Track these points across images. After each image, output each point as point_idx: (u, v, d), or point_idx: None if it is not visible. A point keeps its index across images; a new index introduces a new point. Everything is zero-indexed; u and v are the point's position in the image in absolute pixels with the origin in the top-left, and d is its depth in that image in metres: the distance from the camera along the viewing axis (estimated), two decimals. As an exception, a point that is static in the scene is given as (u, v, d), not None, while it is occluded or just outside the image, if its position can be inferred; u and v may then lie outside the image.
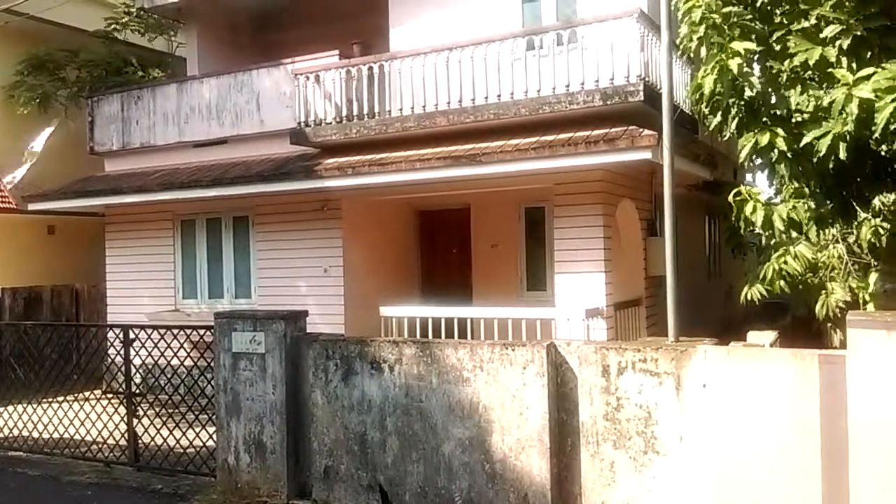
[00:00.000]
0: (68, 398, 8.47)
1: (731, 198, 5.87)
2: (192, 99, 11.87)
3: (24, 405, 8.57)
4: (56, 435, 8.20)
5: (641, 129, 8.25)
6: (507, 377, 5.47)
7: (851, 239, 6.44)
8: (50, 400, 8.49)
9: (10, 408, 8.64)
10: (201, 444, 7.15)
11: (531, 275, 11.41)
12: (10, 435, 8.55)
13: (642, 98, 8.43)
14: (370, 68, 10.09)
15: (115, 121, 12.65)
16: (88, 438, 8.00)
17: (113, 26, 14.54)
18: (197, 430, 7.26)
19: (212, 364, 6.99)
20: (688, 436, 4.90)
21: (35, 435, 8.36)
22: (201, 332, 7.31)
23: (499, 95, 9.23)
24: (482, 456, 5.54)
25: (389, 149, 9.90)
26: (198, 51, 13.04)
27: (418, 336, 8.91)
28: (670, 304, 5.52)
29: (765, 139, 5.15)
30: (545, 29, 9.27)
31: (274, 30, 13.68)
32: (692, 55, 5.66)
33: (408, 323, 9.37)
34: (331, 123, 10.34)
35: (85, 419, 8.04)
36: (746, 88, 5.22)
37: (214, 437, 6.93)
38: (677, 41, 5.74)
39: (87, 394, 8.88)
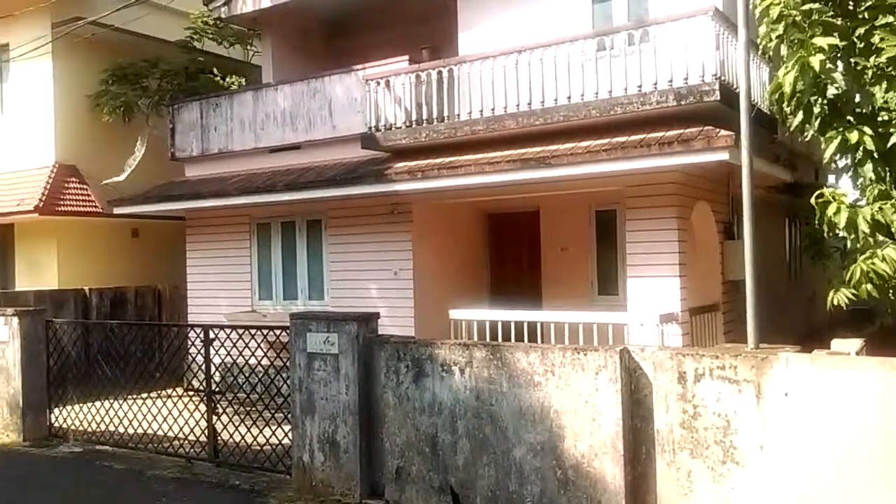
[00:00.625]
0: (151, 395, 8.82)
1: (813, 200, 5.67)
2: (268, 106, 12.19)
3: (111, 401, 8.96)
4: (140, 430, 8.54)
5: (718, 130, 8.04)
6: (579, 382, 5.41)
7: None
8: (134, 397, 8.85)
9: (98, 403, 9.04)
10: (277, 442, 7.34)
11: (602, 279, 11.26)
12: (98, 430, 8.95)
13: (718, 98, 8.22)
14: (439, 72, 10.17)
15: (195, 128, 13.10)
16: (171, 434, 8.31)
17: (192, 36, 15.06)
18: (273, 428, 7.45)
19: (287, 364, 7.16)
20: (769, 446, 4.75)
21: (121, 430, 8.72)
22: (277, 332, 7.50)
23: (569, 97, 9.16)
24: (554, 461, 5.50)
25: (458, 152, 9.94)
26: (272, 58, 13.38)
27: (487, 339, 8.92)
28: (750, 310, 5.37)
29: (853, 137, 4.96)
30: (616, 29, 9.15)
31: (345, 36, 13.93)
32: (771, 54, 5.51)
33: (477, 326, 9.39)
34: (400, 128, 10.46)
35: (167, 416, 8.35)
36: (829, 86, 5.04)
37: (290, 435, 7.11)
38: (755, 39, 5.58)
39: (169, 391, 9.23)
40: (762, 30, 5.33)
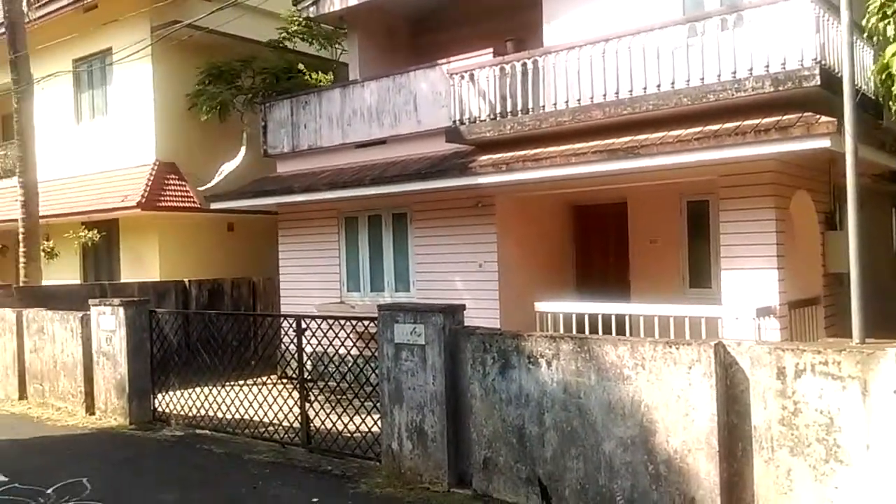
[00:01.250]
0: (248, 382, 9.17)
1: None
2: (354, 102, 12.43)
3: (210, 387, 9.36)
4: (237, 416, 8.89)
5: (818, 116, 7.68)
6: (671, 377, 5.30)
7: None
8: (232, 383, 9.22)
9: (198, 389, 9.46)
10: (367, 430, 7.50)
11: (694, 271, 10.96)
12: (198, 414, 9.37)
13: (818, 82, 7.85)
14: (524, 64, 10.11)
15: (286, 125, 13.49)
16: (266, 420, 8.61)
17: (284, 35, 15.51)
18: (363, 416, 7.62)
19: (376, 354, 7.30)
20: (876, 445, 4.53)
21: (219, 415, 9.11)
22: (366, 323, 7.66)
23: (658, 85, 8.94)
24: (645, 456, 5.41)
25: (544, 144, 9.87)
26: (358, 55, 13.62)
27: (574, 332, 8.83)
28: (855, 304, 5.13)
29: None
30: (708, 14, 8.86)
31: (429, 32, 14.04)
32: (880, 36, 5.21)
33: (563, 319, 9.32)
34: (485, 121, 10.47)
35: (263, 402, 8.66)
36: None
37: (379, 423, 7.26)
38: (859, 21, 5.30)
39: (263, 379, 9.57)
40: (869, 7, 5.05)
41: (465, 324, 6.94)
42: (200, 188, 14.51)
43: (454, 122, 10.75)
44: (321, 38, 15.67)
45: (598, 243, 12.34)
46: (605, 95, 9.35)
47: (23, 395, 11.61)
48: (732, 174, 8.80)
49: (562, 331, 9.08)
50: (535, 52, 10.13)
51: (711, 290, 10.31)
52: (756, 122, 8.14)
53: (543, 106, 9.97)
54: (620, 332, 8.71)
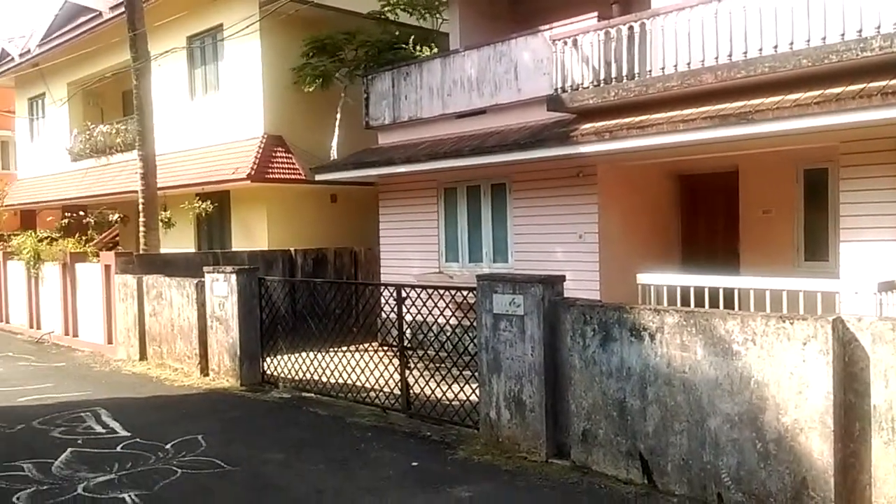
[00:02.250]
0: (350, 349, 9.42)
1: None
2: (455, 72, 12.38)
3: (314, 353, 9.68)
4: (340, 380, 9.16)
5: (955, 75, 7.05)
6: (784, 352, 5.04)
7: None
8: (335, 349, 9.50)
9: (304, 354, 9.80)
10: (465, 398, 7.56)
11: (810, 244, 10.38)
12: (304, 378, 9.72)
13: (957, 38, 7.19)
14: (630, 27, 9.75)
15: (387, 96, 13.62)
16: (367, 385, 8.84)
17: (385, 7, 15.58)
18: (461, 384, 7.68)
19: (474, 324, 7.33)
20: None
21: (323, 379, 9.42)
22: (464, 293, 7.70)
23: (775, 46, 8.43)
24: (753, 434, 5.19)
25: (649, 111, 9.53)
26: (459, 25, 13.53)
27: (678, 305, 8.55)
28: None
29: None
30: (833, -33, 8.24)
31: (531, -1, 13.77)
32: None
33: (667, 292, 9.04)
34: (587, 87, 10.20)
35: (364, 368, 8.89)
36: None
37: (477, 392, 7.30)
38: None
39: (365, 346, 9.81)
40: None
41: (565, 295, 6.85)
42: (312, 167, 14.87)
43: (556, 89, 10.53)
44: (422, 8, 15.66)
45: (705, 214, 11.87)
46: (716, 58, 8.90)
47: (143, 356, 12.39)
48: (855, 140, 8.23)
49: (665, 304, 8.81)
50: (643, 15, 9.75)
51: (828, 263, 9.74)
52: (883, 83, 7.55)
53: (650, 71, 9.60)
54: (728, 306, 8.35)
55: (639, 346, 5.88)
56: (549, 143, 10.22)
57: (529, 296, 6.66)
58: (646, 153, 9.84)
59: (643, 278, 9.40)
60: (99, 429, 8.15)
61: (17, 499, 5.94)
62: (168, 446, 7.32)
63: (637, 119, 9.47)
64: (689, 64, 9.16)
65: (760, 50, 8.54)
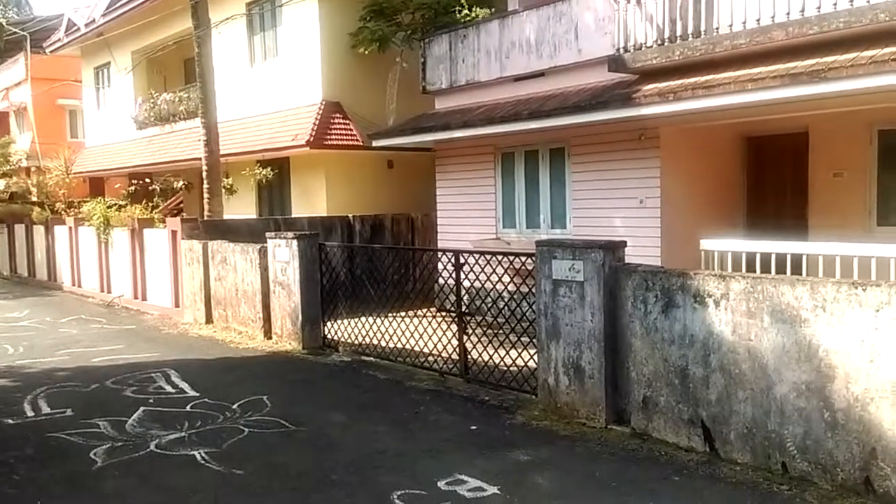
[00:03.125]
0: (407, 314, 9.51)
1: None
2: (513, 33, 12.17)
3: (373, 317, 9.81)
4: (399, 345, 9.28)
5: None
6: (855, 320, 4.88)
7: None
8: (393, 314, 9.60)
9: (363, 319, 9.94)
10: (523, 364, 7.57)
11: (882, 208, 9.95)
12: (363, 342, 9.87)
13: None
14: (696, -16, 9.39)
15: (444, 60, 13.50)
16: (425, 350, 8.93)
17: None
18: (518, 350, 7.69)
19: (531, 290, 7.29)
20: None
21: (382, 343, 9.55)
22: (523, 259, 7.66)
23: (851, 0, 8.00)
24: (821, 403, 5.06)
25: (715, 70, 9.19)
26: (518, -16, 13.26)
27: (744, 272, 8.33)
28: None
29: None
30: (917, -87, 7.75)
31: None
32: None
33: (731, 258, 8.80)
34: (651, 47, 9.90)
35: (423, 333, 8.97)
36: None
37: (535, 358, 7.29)
38: None
39: (422, 311, 9.89)
40: None
41: (626, 261, 6.75)
42: (369, 133, 14.89)
43: (617, 49, 10.26)
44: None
45: (772, 177, 11.47)
46: (788, 14, 8.50)
47: (209, 319, 12.76)
48: (937, 98, 7.79)
49: (730, 271, 8.60)
50: (709, -30, 9.37)
51: (904, 228, 9.33)
52: (971, 36, 7.11)
53: (717, 28, 9.25)
54: (796, 273, 8.09)
55: (703, 312, 5.77)
56: (611, 104, 9.99)
57: (590, 261, 6.58)
58: (711, 114, 9.53)
59: (706, 244, 9.17)
60: (169, 389, 8.47)
61: (94, 454, 6.24)
62: (235, 406, 7.56)
63: (703, 79, 9.15)
64: (758, 21, 8.78)
65: (835, 4, 8.13)
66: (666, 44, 9.72)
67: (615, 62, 10.27)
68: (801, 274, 7.99)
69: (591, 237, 9.88)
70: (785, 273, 7.99)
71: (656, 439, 6.10)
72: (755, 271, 8.18)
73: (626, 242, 6.91)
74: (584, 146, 11.36)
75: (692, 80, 9.27)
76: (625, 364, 6.43)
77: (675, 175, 10.56)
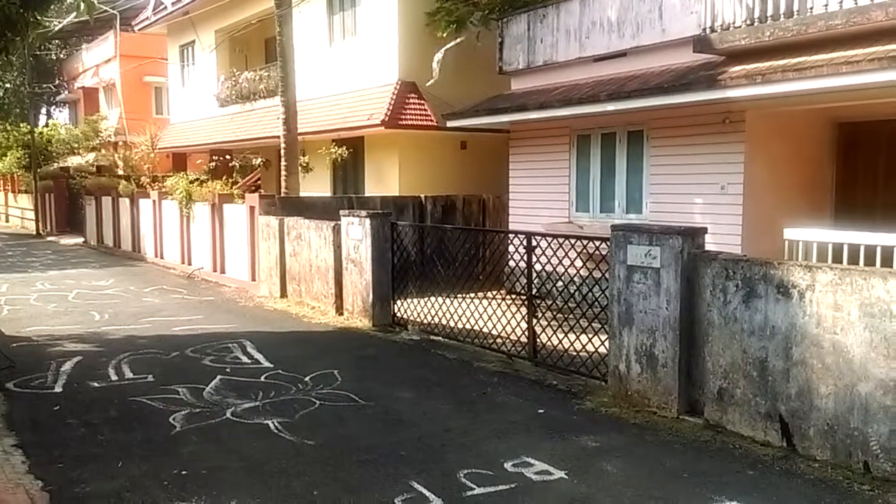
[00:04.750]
0: (476, 295, 9.50)
1: None
2: (594, 13, 11.89)
3: (442, 297, 9.84)
4: (467, 326, 9.28)
5: None
6: (955, 317, 4.60)
7: None
8: (462, 295, 9.60)
9: (432, 298, 9.99)
10: (593, 350, 7.46)
11: None
12: (432, 322, 9.92)
13: None
14: (790, -39, 8.95)
15: (521, 40, 13.32)
16: (494, 332, 8.91)
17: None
18: (588, 336, 7.58)
19: (604, 275, 7.16)
20: None
21: (451, 324, 9.57)
22: (597, 243, 7.52)
23: (962, -23, 7.50)
24: (911, 403, 4.81)
25: (807, 52, 8.77)
26: (600, -37, 12.94)
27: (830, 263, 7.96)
28: None
29: None
30: None
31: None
32: None
33: (817, 249, 8.43)
34: (739, 27, 9.51)
35: (491, 315, 8.95)
36: None
37: (605, 344, 7.18)
38: None
39: (492, 293, 9.86)
40: None
41: (705, 248, 6.55)
42: (444, 114, 14.86)
43: (703, 29, 9.90)
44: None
45: (864, 165, 10.91)
46: (889, -8, 8.03)
47: (283, 293, 13.07)
48: None
49: (814, 262, 8.24)
50: (805, -54, 8.92)
51: None
52: None
53: (811, 8, 8.81)
54: (886, 265, 7.70)
55: (786, 304, 5.55)
56: (696, 86, 9.66)
57: (667, 248, 6.42)
58: (801, 98, 9.10)
59: (791, 233, 8.81)
60: (245, 359, 8.72)
61: (173, 419, 6.48)
62: (307, 379, 7.73)
63: (794, 61, 8.75)
64: (855, 0, 8.33)
65: (944, -19, 7.63)
66: (755, 24, 9.32)
67: (701, 42, 9.92)
68: (892, 267, 7.61)
69: (669, 223, 9.62)
70: (874, 266, 7.62)
71: (730, 432, 5.93)
72: (842, 263, 7.83)
73: (706, 229, 6.71)
74: (665, 129, 11.05)
75: (783, 62, 8.87)
76: (700, 354, 6.26)
77: (759, 161, 10.17)
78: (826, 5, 8.60)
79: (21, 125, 35.50)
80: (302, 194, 15.32)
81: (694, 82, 9.70)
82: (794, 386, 5.52)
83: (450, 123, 14.45)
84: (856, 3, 8.31)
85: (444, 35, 15.20)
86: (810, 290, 5.41)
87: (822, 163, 11.14)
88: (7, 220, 40.65)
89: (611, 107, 10.88)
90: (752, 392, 5.80)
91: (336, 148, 16.57)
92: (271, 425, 6.31)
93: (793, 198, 10.46)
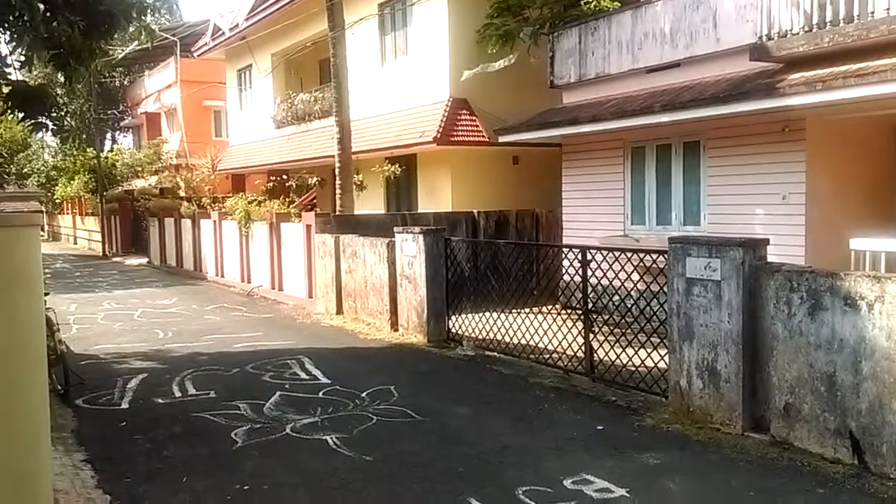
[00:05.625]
0: (531, 310, 9.44)
1: None
2: (646, 24, 11.79)
3: (497, 313, 9.80)
4: (522, 341, 9.23)
5: None
6: None
7: None
8: (517, 310, 9.56)
9: (486, 314, 9.97)
10: (652, 365, 7.33)
11: None
12: (486, 337, 9.90)
13: None
14: (850, -36, 8.73)
15: (573, 54, 13.28)
16: (549, 347, 8.83)
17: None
18: (647, 350, 7.45)
19: (662, 289, 7.05)
20: None
21: (506, 339, 9.53)
22: (654, 256, 7.41)
23: None
24: None
25: (869, 57, 8.52)
26: (652, -26, 12.84)
27: (900, 274, 7.68)
28: None
29: None
30: None
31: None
32: None
33: (885, 259, 8.16)
34: (797, 34, 9.29)
35: (547, 330, 8.88)
36: None
37: (665, 359, 7.05)
38: None
39: (546, 308, 9.79)
40: None
41: (767, 260, 6.39)
42: (495, 129, 14.89)
43: (760, 37, 9.71)
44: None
45: (934, 172, 10.52)
46: (956, -7, 7.76)
47: (339, 310, 13.22)
48: None
49: (883, 272, 7.96)
50: (867, -51, 8.69)
51: None
52: None
53: (872, 12, 8.57)
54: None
55: (854, 316, 5.37)
56: (754, 95, 9.47)
57: (728, 259, 6.28)
58: (864, 105, 8.84)
59: (857, 243, 8.55)
60: (303, 375, 8.84)
61: (235, 434, 6.61)
62: (364, 394, 7.78)
63: (855, 67, 8.51)
64: (921, 1, 8.07)
65: None
66: (814, 30, 9.10)
67: (758, 50, 9.73)
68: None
69: (728, 234, 9.44)
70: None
71: (798, 449, 5.74)
72: (914, 274, 7.54)
73: (768, 240, 6.55)
74: (722, 139, 10.86)
75: (843, 68, 8.64)
76: (764, 369, 6.09)
77: (821, 169, 9.89)
78: (888, 9, 8.36)
79: (87, 150, 36.92)
80: (356, 212, 15.50)
81: (752, 91, 9.52)
82: (864, 401, 5.32)
83: (501, 139, 14.48)
84: (921, 5, 8.05)
85: (495, 51, 15.25)
86: (879, 301, 5.23)
87: (888, 170, 10.78)
88: (75, 242, 42.26)
89: (665, 118, 10.75)
90: (821, 407, 5.61)
91: (389, 165, 16.75)
92: (330, 441, 6.37)
93: (858, 206, 10.13)
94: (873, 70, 8.22)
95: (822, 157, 9.91)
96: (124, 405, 7.76)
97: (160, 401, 7.89)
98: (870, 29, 8.52)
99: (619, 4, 13.65)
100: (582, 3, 14.12)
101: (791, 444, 5.82)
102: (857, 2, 8.71)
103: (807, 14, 9.19)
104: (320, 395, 7.89)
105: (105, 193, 32.99)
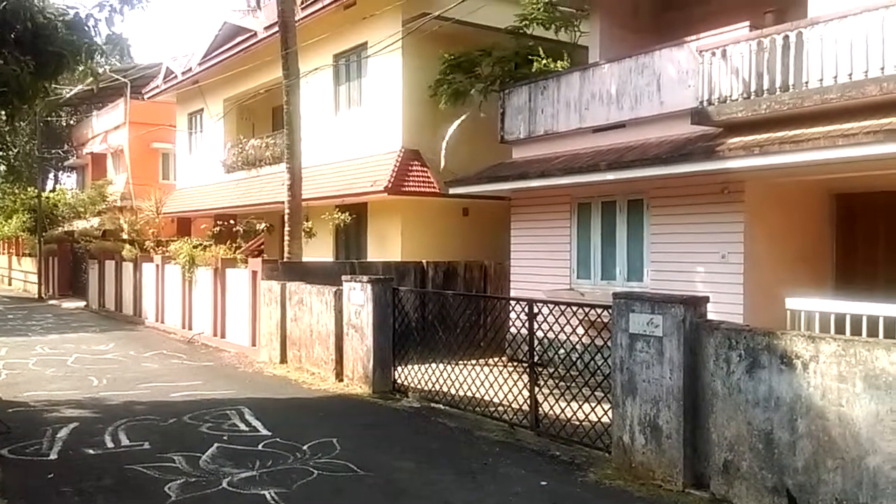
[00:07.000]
0: (478, 362, 9.43)
1: None
2: (594, 85, 12.18)
3: (443, 364, 9.76)
4: (469, 393, 9.18)
5: None
6: (961, 390, 4.56)
7: None
8: (464, 362, 9.53)
9: (433, 365, 9.91)
10: (596, 419, 7.36)
11: None
12: (434, 389, 9.82)
13: None
14: (785, 37, 9.20)
15: (523, 111, 13.61)
16: (496, 400, 8.80)
17: (523, 21, 15.59)
18: (591, 405, 7.49)
19: (606, 343, 7.13)
20: None
21: (452, 391, 9.47)
22: (598, 311, 7.51)
23: (952, 55, 7.71)
24: (921, 478, 4.72)
25: (803, 124, 8.95)
26: (599, 38, 13.31)
27: (832, 334, 7.93)
28: None
29: None
30: None
31: (676, 8, 13.36)
32: None
33: (819, 319, 8.41)
34: (736, 100, 9.72)
35: (493, 383, 8.86)
36: None
37: (609, 414, 7.09)
38: None
39: (493, 360, 9.78)
40: None
41: (707, 318, 6.54)
42: (446, 181, 15.07)
43: (701, 102, 10.12)
44: (559, 21, 15.52)
45: (864, 236, 10.98)
46: (882, 69, 8.23)
47: (283, 359, 12.98)
48: None
49: (818, 332, 8.21)
50: (800, 24, 9.19)
51: None
52: None
53: (806, 82, 9.03)
54: (889, 336, 7.66)
55: (790, 374, 5.51)
56: (694, 157, 9.82)
57: (669, 316, 6.41)
58: (799, 170, 9.24)
59: (793, 303, 8.80)
60: (242, 427, 8.60)
61: (168, 488, 6.36)
62: (305, 447, 7.60)
63: (791, 133, 8.92)
64: (850, 75, 8.54)
65: (935, 58, 7.84)
66: (752, 97, 9.54)
67: (698, 114, 10.13)
68: (895, 338, 7.57)
69: (670, 291, 9.64)
70: (877, 336, 7.58)
71: (738, 507, 5.80)
72: (845, 333, 7.80)
73: (708, 298, 6.72)
74: (664, 198, 11.18)
75: (779, 134, 9.05)
76: (705, 425, 6.17)
77: (759, 230, 10.25)
78: (821, 80, 8.82)
79: (28, 189, 35.93)
80: (305, 259, 15.36)
81: (693, 153, 9.87)
82: (800, 459, 5.43)
83: (452, 190, 14.64)
84: (850, 79, 8.51)
85: (445, 106, 15.53)
86: (814, 360, 5.38)
87: (822, 233, 11.23)
88: (10, 283, 40.72)
89: (611, 176, 11.04)
90: (759, 465, 5.70)
91: (339, 213, 16.72)
92: (268, 496, 6.18)
93: (794, 267, 10.49)
94: (807, 137, 8.63)
95: (760, 219, 10.28)
96: (53, 455, 7.41)
97: (91, 451, 7.56)
98: (804, 98, 8.97)
99: (569, 65, 14.12)
100: (532, 62, 14.55)
101: (730, 502, 5.88)
102: (792, 72, 9.17)
103: (745, 82, 9.63)
104: (259, 447, 7.68)
105: (44, 234, 32.04)
